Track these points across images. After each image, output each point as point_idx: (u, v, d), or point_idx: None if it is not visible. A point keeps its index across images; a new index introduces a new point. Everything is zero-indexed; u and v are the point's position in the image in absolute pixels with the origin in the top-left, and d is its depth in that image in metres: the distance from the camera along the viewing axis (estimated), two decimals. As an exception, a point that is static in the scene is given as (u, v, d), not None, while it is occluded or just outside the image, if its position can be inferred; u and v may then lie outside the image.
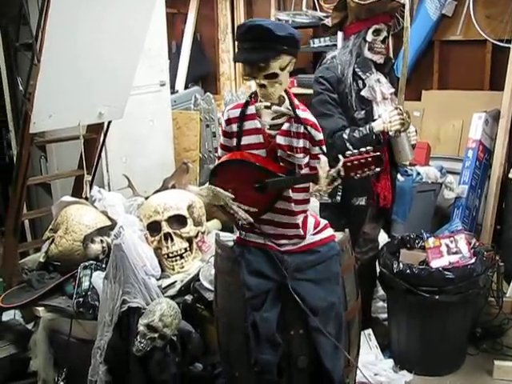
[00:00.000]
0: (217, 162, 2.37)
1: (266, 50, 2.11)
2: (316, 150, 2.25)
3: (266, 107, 2.26)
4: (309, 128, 2.22)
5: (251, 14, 5.94)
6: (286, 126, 2.24)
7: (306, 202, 2.35)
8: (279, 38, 2.09)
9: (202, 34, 6.27)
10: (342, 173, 2.11)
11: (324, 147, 2.26)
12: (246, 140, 2.28)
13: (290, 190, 2.25)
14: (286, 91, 2.26)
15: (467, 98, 4.68)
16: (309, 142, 2.24)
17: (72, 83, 3.27)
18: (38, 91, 3.14)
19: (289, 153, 2.23)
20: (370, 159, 2.08)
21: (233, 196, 2.25)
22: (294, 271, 2.29)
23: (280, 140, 2.24)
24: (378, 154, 2.08)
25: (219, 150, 2.40)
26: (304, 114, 2.25)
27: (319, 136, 2.25)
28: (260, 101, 2.26)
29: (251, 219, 2.27)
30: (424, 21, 4.77)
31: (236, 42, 2.23)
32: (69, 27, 3.09)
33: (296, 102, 2.27)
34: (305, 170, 2.27)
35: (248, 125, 2.28)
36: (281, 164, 2.26)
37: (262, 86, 2.19)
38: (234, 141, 2.31)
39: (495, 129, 4.30)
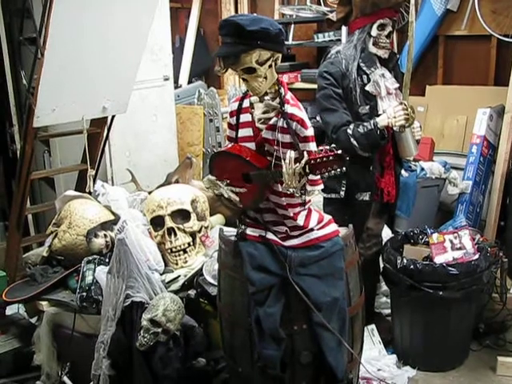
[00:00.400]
0: (216, 152, 2.50)
1: (237, 45, 2.13)
2: (304, 146, 2.20)
3: (261, 101, 2.27)
4: (294, 124, 2.20)
5: (255, 8, 5.92)
6: (273, 121, 2.24)
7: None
8: (250, 33, 2.10)
9: (205, 29, 6.26)
10: (308, 170, 2.07)
11: (312, 144, 2.21)
12: (241, 133, 2.35)
13: (279, 185, 2.24)
14: (281, 85, 2.26)
15: (472, 94, 4.66)
16: (297, 137, 2.21)
17: (76, 77, 3.26)
18: (42, 85, 3.13)
19: (275, 147, 2.23)
20: (331, 158, 2.03)
21: (226, 183, 2.33)
22: (298, 266, 2.30)
23: (266, 134, 2.25)
24: (340, 153, 2.02)
25: (226, 142, 2.49)
26: (292, 109, 2.22)
27: (305, 132, 2.20)
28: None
29: (236, 199, 2.33)
30: (429, 16, 4.75)
31: None
32: (72, 21, 3.08)
33: (288, 96, 2.26)
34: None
35: (242, 118, 2.34)
36: (268, 158, 2.26)
37: (244, 80, 2.23)
38: (234, 132, 2.39)
39: (500, 124, 4.28)
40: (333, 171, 2.05)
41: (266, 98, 2.27)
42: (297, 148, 2.17)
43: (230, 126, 2.42)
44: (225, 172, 2.34)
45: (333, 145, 2.08)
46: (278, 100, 2.25)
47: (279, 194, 2.28)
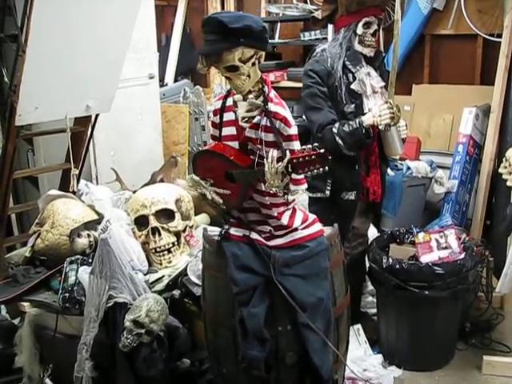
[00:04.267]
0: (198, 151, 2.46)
1: (219, 43, 2.10)
2: (287, 145, 2.17)
3: (244, 99, 2.25)
4: (277, 123, 2.17)
5: (241, 6, 5.89)
6: (256, 119, 2.22)
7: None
8: (233, 31, 2.06)
9: (191, 27, 6.22)
10: (290, 169, 2.04)
11: (295, 143, 2.19)
12: (224, 131, 2.32)
13: (262, 184, 2.20)
14: (265, 83, 2.23)
15: (458, 93, 4.68)
16: (280, 136, 2.18)
17: (58, 75, 3.23)
18: (24, 83, 3.10)
19: (258, 146, 2.20)
20: (314, 157, 1.99)
21: (208, 183, 2.29)
22: (282, 266, 2.27)
23: (250, 133, 2.23)
24: (322, 152, 1.98)
25: (210, 141, 2.45)
26: (275, 107, 2.20)
27: (289, 131, 2.18)
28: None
29: (220, 201, 2.31)
30: (415, 15, 4.76)
31: None
32: (55, 18, 3.04)
33: (272, 95, 2.23)
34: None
35: (226, 116, 2.31)
36: (251, 157, 2.24)
37: (227, 78, 2.20)
38: (218, 131, 2.35)
39: (486, 123, 4.30)
40: (315, 170, 2.01)
41: (250, 96, 2.24)
42: (280, 147, 2.14)
43: (213, 124, 2.38)
44: (208, 171, 2.31)
45: (315, 144, 2.03)
46: (261, 98, 2.22)
47: (262, 194, 2.26)
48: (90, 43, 3.29)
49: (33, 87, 3.14)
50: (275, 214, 2.29)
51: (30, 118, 3.31)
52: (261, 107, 2.21)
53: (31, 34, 3.00)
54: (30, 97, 3.17)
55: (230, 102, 2.31)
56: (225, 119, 2.31)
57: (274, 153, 2.09)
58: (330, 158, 1.98)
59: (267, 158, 2.09)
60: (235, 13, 2.27)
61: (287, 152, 2.06)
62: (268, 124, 2.18)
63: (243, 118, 2.26)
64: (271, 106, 2.19)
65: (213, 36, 2.10)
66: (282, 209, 2.30)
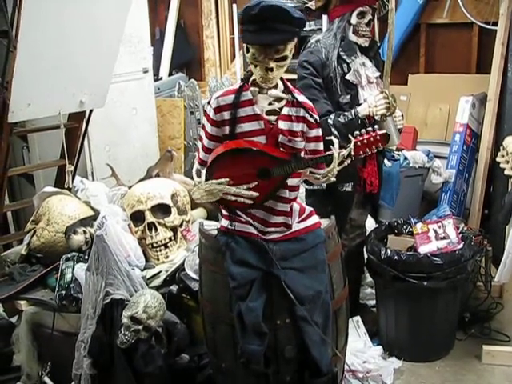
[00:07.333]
0: (212, 155, 2.20)
1: (285, 33, 2.08)
2: (313, 132, 2.27)
3: (262, 92, 2.21)
4: (309, 112, 2.23)
5: (235, -3, 5.85)
6: (286, 111, 2.21)
7: (298, 188, 2.35)
8: (295, 20, 2.07)
9: (185, 20, 6.19)
10: (353, 152, 2.15)
11: (320, 130, 2.29)
12: (241, 127, 2.20)
13: (293, 178, 2.25)
14: None
15: (454, 82, 4.65)
16: (306, 125, 2.24)
17: (51, 71, 3.20)
18: (16, 79, 3.08)
19: (290, 137, 2.21)
20: (378, 137, 2.16)
21: (227, 181, 2.15)
22: (280, 260, 2.26)
23: (282, 125, 2.21)
24: (385, 131, 2.19)
25: (205, 142, 2.27)
26: (301, 97, 2.26)
27: (317, 119, 2.28)
28: (255, 85, 2.21)
29: (256, 194, 2.16)
30: (410, 4, 4.74)
31: (243, 24, 2.12)
32: (45, 13, 3.02)
33: (290, 86, 2.26)
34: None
35: (243, 111, 2.20)
36: (281, 149, 2.22)
37: (269, 69, 2.12)
38: (227, 129, 2.21)
39: (482, 112, 4.28)
40: (370, 151, 2.19)
41: (267, 87, 2.20)
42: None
43: (215, 123, 2.23)
44: (229, 173, 2.16)
45: (375, 126, 2.24)
46: (280, 89, 2.23)
47: (285, 187, 2.26)
48: (82, 38, 3.27)
49: (25, 83, 3.12)
50: (288, 210, 2.30)
51: (23, 115, 3.29)
52: (287, 98, 2.21)
53: (22, 30, 2.97)
54: (23, 93, 3.15)
55: (246, 96, 2.21)
56: (242, 114, 2.20)
57: (335, 139, 2.17)
58: (389, 136, 2.19)
59: (333, 145, 2.16)
60: (281, 2, 2.19)
61: (351, 137, 2.18)
62: (298, 114, 2.22)
63: (269, 110, 2.22)
64: (298, 96, 2.23)
65: (275, 25, 2.05)
66: (293, 203, 2.33)
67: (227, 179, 2.14)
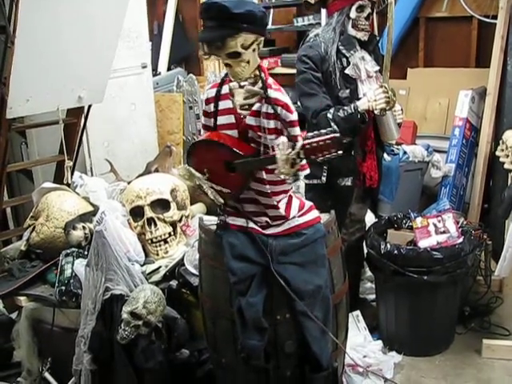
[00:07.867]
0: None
1: (223, 29, 2.05)
2: (290, 131, 2.15)
3: (240, 87, 2.21)
4: (279, 109, 2.14)
5: (233, -8, 5.82)
6: (256, 107, 2.18)
7: (281, 183, 2.24)
8: (236, 16, 2.02)
9: (184, 15, 6.17)
10: (302, 155, 2.01)
11: (297, 129, 2.16)
12: (220, 120, 2.25)
13: (264, 172, 2.19)
14: (261, 70, 2.19)
15: (453, 76, 4.64)
16: (280, 122, 2.15)
17: (49, 66, 3.20)
18: (14, 75, 3.07)
19: (259, 134, 2.18)
20: (329, 142, 1.97)
21: (205, 176, 2.24)
22: (279, 255, 2.25)
23: (250, 121, 2.19)
24: (338, 135, 1.97)
25: (202, 131, 2.38)
26: (275, 93, 2.17)
27: (291, 117, 2.15)
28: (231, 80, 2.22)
29: (222, 200, 2.28)
30: (409, -3, 4.72)
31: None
32: (43, 8, 3.01)
33: (270, 81, 2.20)
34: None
35: (222, 104, 2.25)
36: (252, 145, 2.21)
37: (227, 65, 2.14)
38: (212, 121, 2.28)
39: (482, 106, 4.27)
40: (331, 155, 1.99)
41: (245, 83, 2.20)
42: (282, 133, 2.12)
43: (206, 113, 2.32)
44: (205, 162, 2.25)
45: (329, 128, 2.05)
46: (259, 85, 2.19)
47: (263, 182, 2.22)
48: (80, 33, 3.25)
49: (23, 79, 3.11)
50: (274, 203, 2.26)
51: (22, 111, 3.28)
52: (260, 94, 2.17)
53: (19, 25, 2.96)
54: (21, 89, 3.14)
55: (225, 89, 2.25)
56: (221, 107, 2.25)
57: (284, 139, 2.05)
58: (345, 140, 1.98)
59: (278, 145, 2.05)
60: None
61: (299, 138, 2.05)
62: (269, 110, 2.15)
63: (241, 105, 2.22)
64: (271, 93, 2.16)
65: (215, 22, 2.05)
66: (281, 196, 2.28)
67: (207, 172, 2.23)
